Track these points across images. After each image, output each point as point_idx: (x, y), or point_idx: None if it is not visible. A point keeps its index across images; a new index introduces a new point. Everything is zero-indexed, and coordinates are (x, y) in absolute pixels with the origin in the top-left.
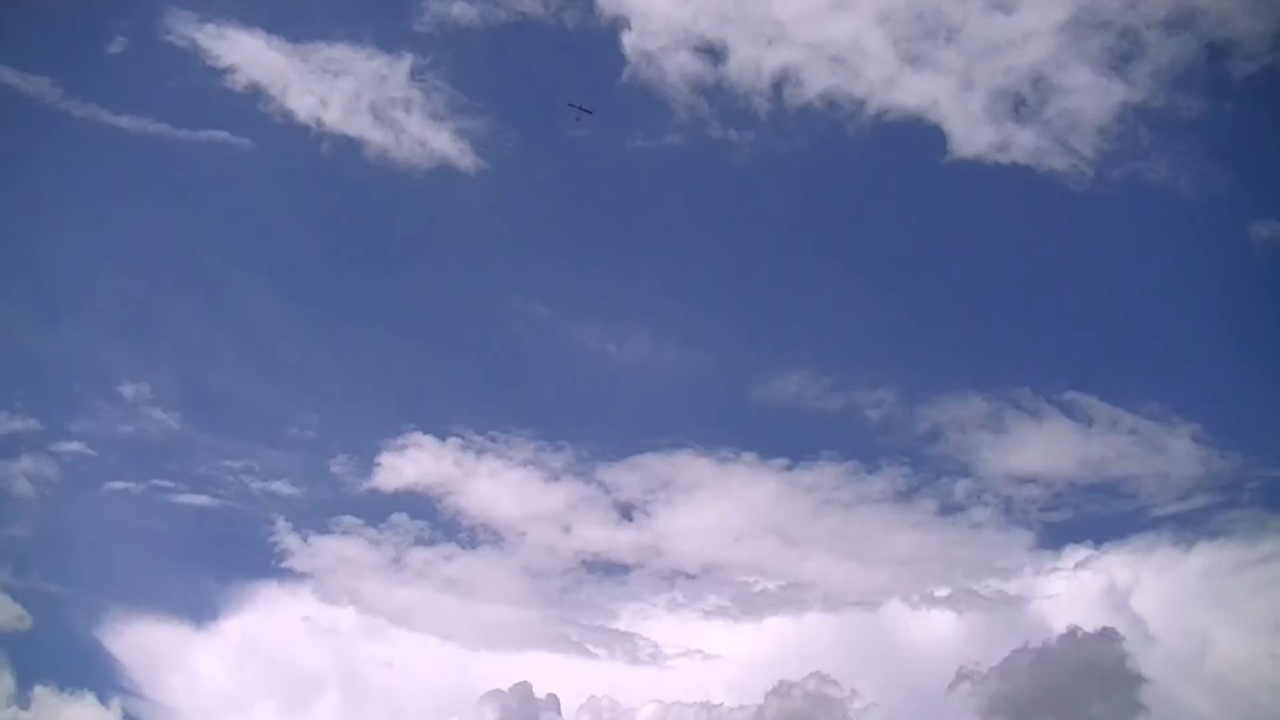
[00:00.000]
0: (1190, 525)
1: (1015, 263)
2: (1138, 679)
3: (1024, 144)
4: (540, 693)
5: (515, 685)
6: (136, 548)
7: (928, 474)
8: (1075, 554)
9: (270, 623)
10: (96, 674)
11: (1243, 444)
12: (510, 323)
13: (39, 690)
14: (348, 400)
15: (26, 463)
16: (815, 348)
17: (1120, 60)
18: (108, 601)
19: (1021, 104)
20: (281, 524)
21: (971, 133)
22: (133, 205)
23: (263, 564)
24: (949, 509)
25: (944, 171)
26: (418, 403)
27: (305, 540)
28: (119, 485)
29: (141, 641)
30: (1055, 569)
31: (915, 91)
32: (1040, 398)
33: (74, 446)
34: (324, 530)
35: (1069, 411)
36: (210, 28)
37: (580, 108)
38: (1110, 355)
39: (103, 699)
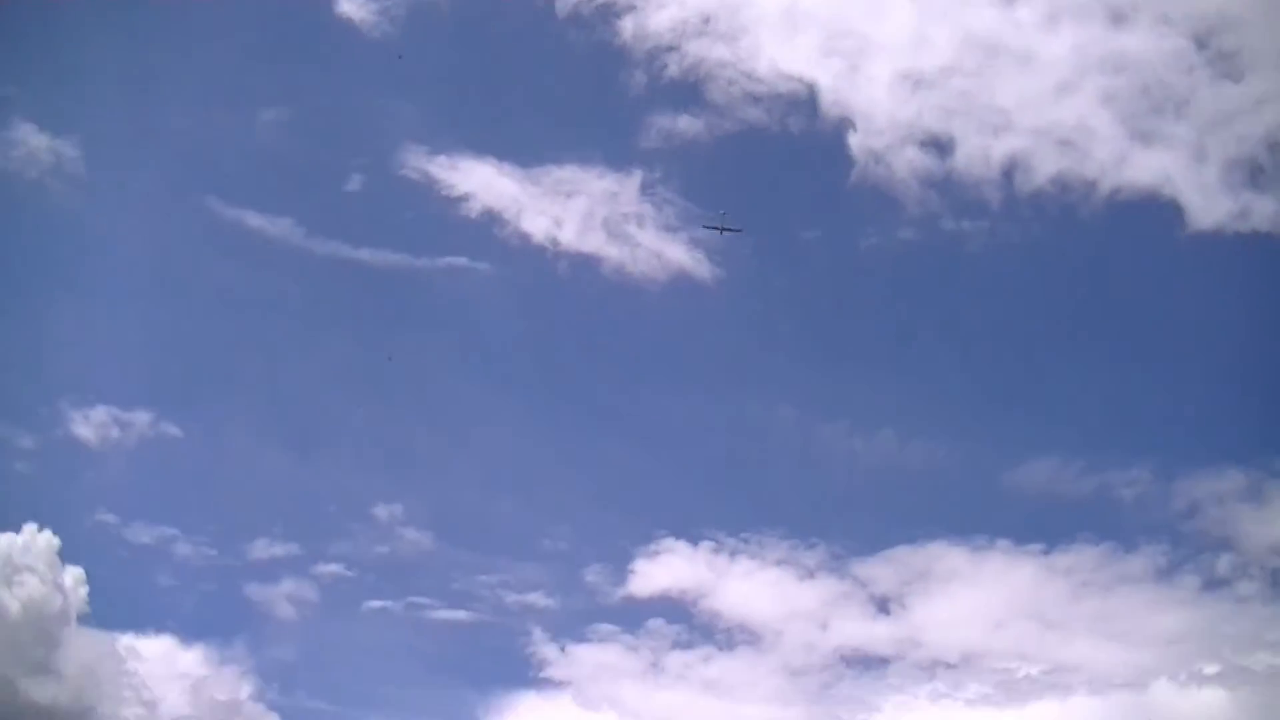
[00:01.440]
0: None
1: (1265, 330)
2: None
3: (1264, 211)
4: None
5: None
6: (397, 664)
7: (1188, 550)
8: None
9: None
10: None
11: None
12: (755, 426)
13: None
14: (598, 510)
15: (288, 585)
16: (1064, 431)
17: None
18: (372, 717)
19: (1259, 171)
20: (538, 634)
21: (1208, 204)
22: (377, 334)
23: (521, 675)
24: (1213, 584)
25: (1183, 245)
26: (668, 509)
27: (562, 649)
28: (377, 604)
29: None
30: None
31: (1147, 167)
32: None
33: (332, 568)
34: (581, 639)
35: None
36: (442, 159)
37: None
38: None
39: None
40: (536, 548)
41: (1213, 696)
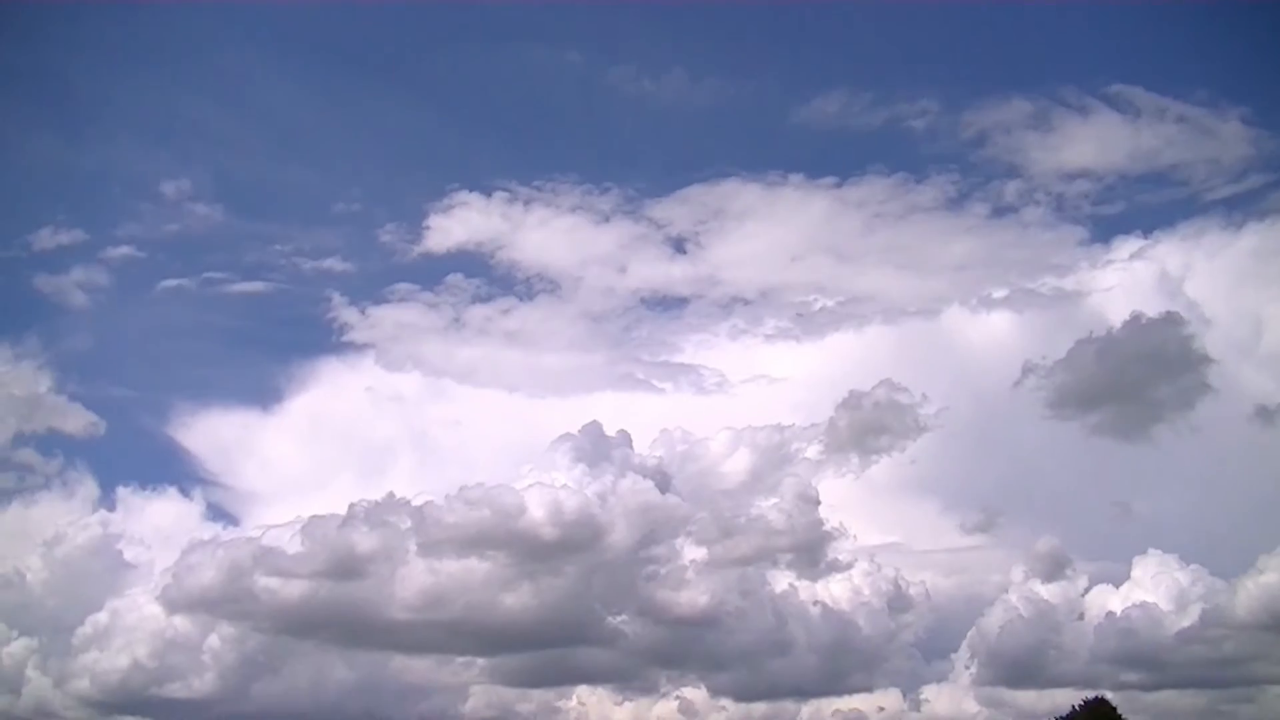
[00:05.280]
0: (1240, 207)
1: None
2: (1204, 360)
3: None
4: (611, 431)
5: (585, 426)
6: (197, 342)
7: (977, 179)
8: (1127, 245)
9: (336, 397)
10: (175, 469)
11: None
12: (542, 73)
13: (122, 491)
14: (388, 169)
15: (77, 274)
16: (852, 65)
17: None
18: (175, 398)
19: None
20: (337, 299)
21: None
22: (144, 9)
23: (323, 341)
24: (1000, 211)
25: None
26: (459, 162)
27: (363, 312)
28: (171, 283)
29: (213, 432)
30: (1109, 261)
31: None
32: (1086, 93)
33: (122, 251)
34: (380, 300)
35: (1116, 104)
36: None
37: None
38: (1154, 43)
39: (184, 492)
40: (329, 212)
41: (1000, 319)
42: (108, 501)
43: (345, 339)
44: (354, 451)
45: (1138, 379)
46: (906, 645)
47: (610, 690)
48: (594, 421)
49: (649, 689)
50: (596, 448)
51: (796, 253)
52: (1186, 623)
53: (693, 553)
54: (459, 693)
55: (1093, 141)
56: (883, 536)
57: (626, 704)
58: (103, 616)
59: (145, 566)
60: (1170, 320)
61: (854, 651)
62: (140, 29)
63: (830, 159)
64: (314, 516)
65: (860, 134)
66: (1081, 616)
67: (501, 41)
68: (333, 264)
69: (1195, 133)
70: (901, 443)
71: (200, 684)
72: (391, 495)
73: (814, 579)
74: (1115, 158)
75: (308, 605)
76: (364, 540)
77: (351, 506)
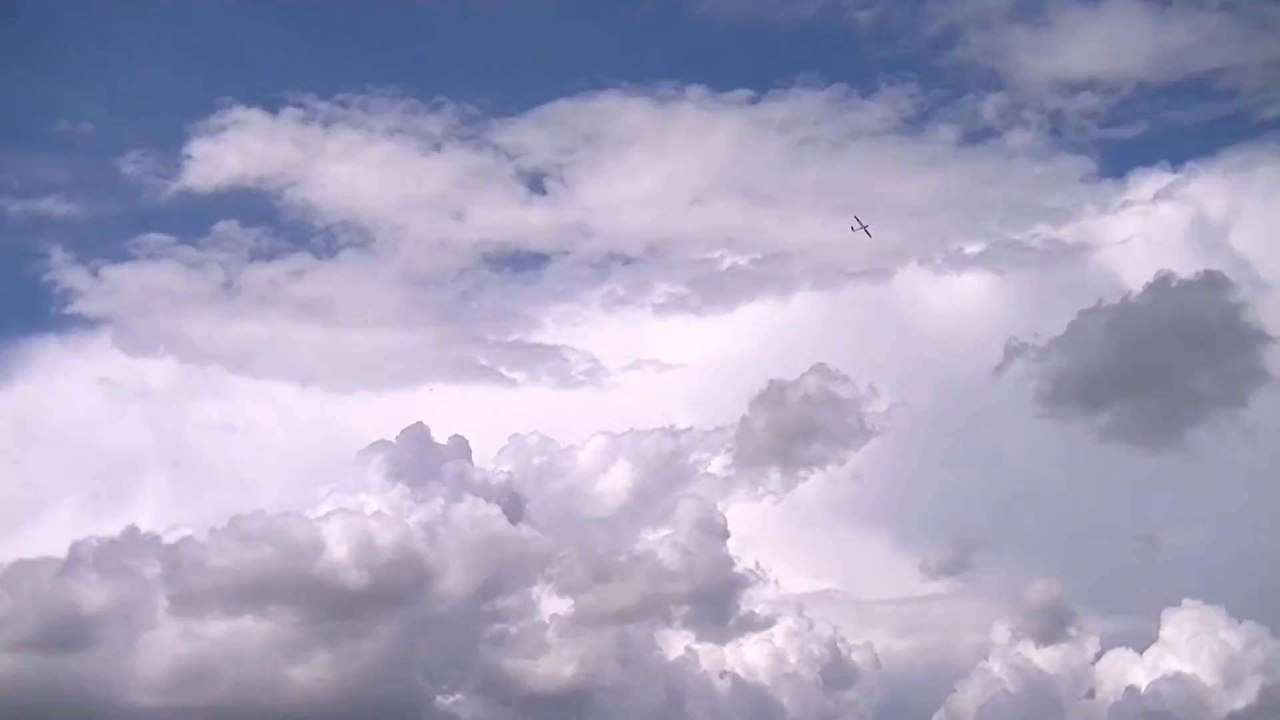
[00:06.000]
0: None
1: None
2: (1259, 337)
3: None
4: (442, 436)
5: (406, 430)
6: None
7: (943, 91)
8: (1150, 181)
9: (55, 392)
10: None
11: None
12: None
13: None
14: (136, 75)
15: None
16: None
17: None
18: None
19: None
20: (59, 255)
21: None
22: None
23: (38, 314)
24: (975, 136)
25: None
26: (233, 66)
27: (95, 273)
28: None
29: None
30: (1125, 203)
31: None
32: None
33: None
34: (121, 257)
35: None
36: None
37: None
38: None
39: None
40: (50, 133)
41: (976, 283)
42: None
43: (70, 310)
44: (81, 468)
45: (1166, 364)
46: None
47: None
48: (418, 424)
49: None
50: (422, 460)
51: (697, 193)
52: (1240, 702)
53: (554, 605)
54: None
55: (1102, 39)
56: (815, 582)
57: None
58: None
59: None
60: (1210, 283)
61: None
62: None
63: (743, 65)
64: (20, 561)
65: (785, 31)
66: (1092, 693)
67: None
68: (52, 205)
69: (1245, 25)
70: (840, 452)
71: None
72: (134, 530)
73: (721, 641)
74: (1133, 61)
75: (7, 687)
76: (92, 594)
77: (75, 546)
